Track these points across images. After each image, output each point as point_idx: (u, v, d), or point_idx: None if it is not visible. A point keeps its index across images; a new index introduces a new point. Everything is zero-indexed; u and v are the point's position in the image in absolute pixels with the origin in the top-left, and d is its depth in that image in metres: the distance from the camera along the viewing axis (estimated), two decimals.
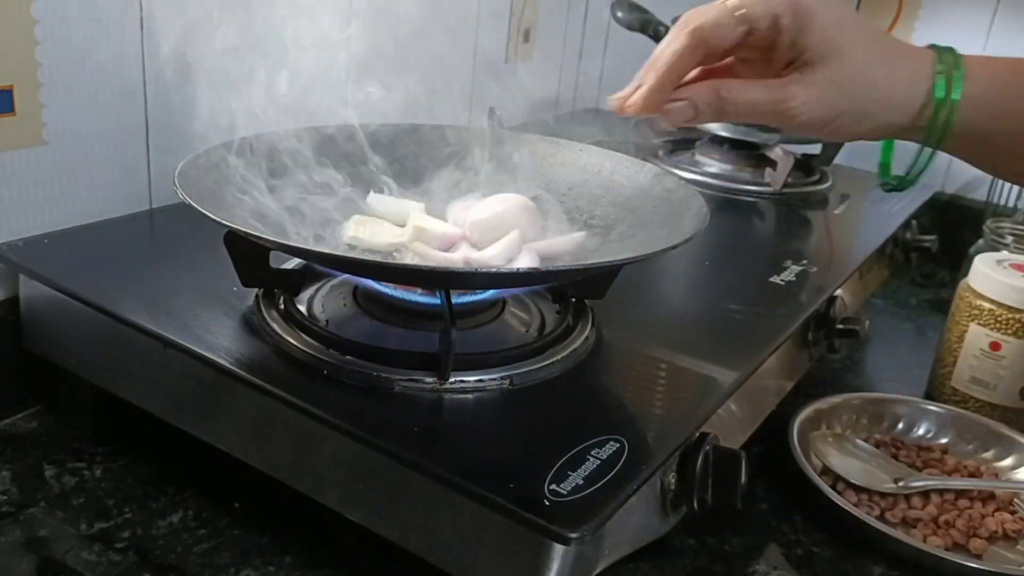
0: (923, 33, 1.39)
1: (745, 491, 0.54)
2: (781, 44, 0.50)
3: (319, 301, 0.64)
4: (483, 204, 0.64)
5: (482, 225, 0.63)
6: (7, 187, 0.67)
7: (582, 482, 0.47)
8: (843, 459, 0.68)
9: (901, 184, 0.58)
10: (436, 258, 0.62)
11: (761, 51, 0.51)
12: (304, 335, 0.58)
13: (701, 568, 0.59)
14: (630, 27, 1.12)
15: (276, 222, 0.61)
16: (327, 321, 0.61)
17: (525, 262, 0.60)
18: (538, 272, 0.56)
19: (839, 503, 0.62)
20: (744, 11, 0.49)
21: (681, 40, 0.50)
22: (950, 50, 0.51)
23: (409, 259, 0.62)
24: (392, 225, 0.65)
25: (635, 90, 0.51)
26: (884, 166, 0.61)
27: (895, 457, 0.70)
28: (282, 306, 0.61)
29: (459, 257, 0.62)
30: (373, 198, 0.67)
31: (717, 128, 1.07)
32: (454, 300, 0.55)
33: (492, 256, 0.61)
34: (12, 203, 0.68)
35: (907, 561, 0.59)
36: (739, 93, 0.50)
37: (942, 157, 0.52)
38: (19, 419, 0.68)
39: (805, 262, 0.82)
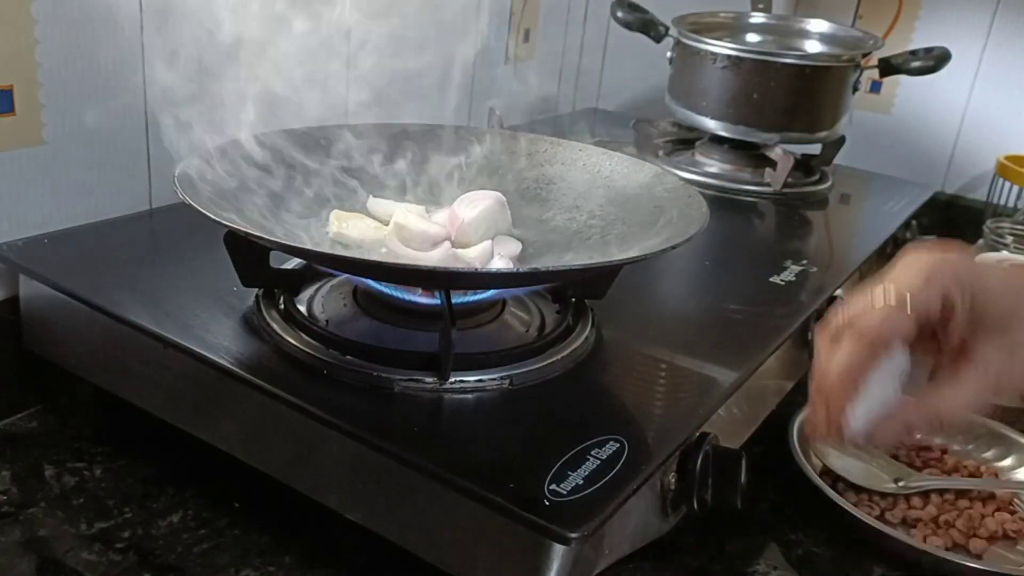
0: (923, 33, 1.39)
1: (745, 491, 0.54)
2: (955, 323, 0.46)
3: (319, 301, 0.64)
4: (467, 203, 0.64)
5: (474, 222, 0.63)
6: (7, 187, 0.67)
7: (582, 482, 0.47)
8: (843, 459, 0.68)
9: None
10: (406, 256, 0.62)
11: (925, 333, 0.47)
12: (304, 335, 0.58)
13: (701, 568, 0.59)
14: (630, 27, 1.12)
15: (276, 221, 0.61)
16: (327, 321, 0.61)
17: (499, 264, 0.61)
18: (538, 272, 0.56)
19: (839, 503, 0.62)
20: (912, 303, 0.45)
21: (856, 350, 0.45)
22: None
23: (383, 256, 0.62)
24: (373, 221, 0.65)
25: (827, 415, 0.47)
26: None
27: (895, 457, 0.70)
28: (282, 306, 0.61)
29: (436, 256, 0.62)
30: (372, 202, 0.67)
31: (717, 128, 1.07)
32: (454, 300, 0.55)
33: (471, 259, 0.61)
34: (12, 203, 0.68)
35: (907, 561, 0.59)
36: (955, 410, 0.46)
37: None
38: (19, 419, 0.68)
39: (805, 262, 0.82)
